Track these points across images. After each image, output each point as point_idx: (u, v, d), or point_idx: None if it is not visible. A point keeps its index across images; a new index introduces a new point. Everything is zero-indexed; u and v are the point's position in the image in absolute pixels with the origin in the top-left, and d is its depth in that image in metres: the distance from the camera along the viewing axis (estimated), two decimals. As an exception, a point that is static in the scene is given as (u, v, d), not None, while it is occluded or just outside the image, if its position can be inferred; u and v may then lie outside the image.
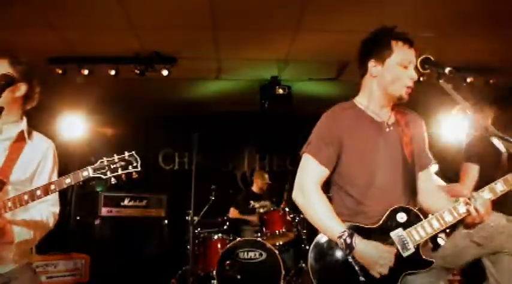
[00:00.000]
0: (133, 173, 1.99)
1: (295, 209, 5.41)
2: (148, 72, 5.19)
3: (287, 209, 5.34)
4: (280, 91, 5.76)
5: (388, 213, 1.88)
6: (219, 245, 5.07)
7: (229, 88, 6.41)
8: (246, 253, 4.86)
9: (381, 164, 1.92)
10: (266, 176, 6.37)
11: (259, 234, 5.30)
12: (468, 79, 5.27)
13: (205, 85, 6.32)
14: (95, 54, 5.07)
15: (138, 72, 5.14)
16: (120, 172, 1.98)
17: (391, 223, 1.87)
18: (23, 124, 2.15)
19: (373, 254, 1.76)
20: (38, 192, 1.94)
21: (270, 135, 7.66)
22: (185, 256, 5.36)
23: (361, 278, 1.81)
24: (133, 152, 2.02)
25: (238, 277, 4.75)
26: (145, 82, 5.51)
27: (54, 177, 2.17)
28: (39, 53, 5.01)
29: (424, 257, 1.84)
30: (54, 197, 2.17)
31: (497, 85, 5.44)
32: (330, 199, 2.02)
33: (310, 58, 5.32)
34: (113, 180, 1.99)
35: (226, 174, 7.75)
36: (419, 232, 1.83)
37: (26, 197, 1.93)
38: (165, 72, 5.17)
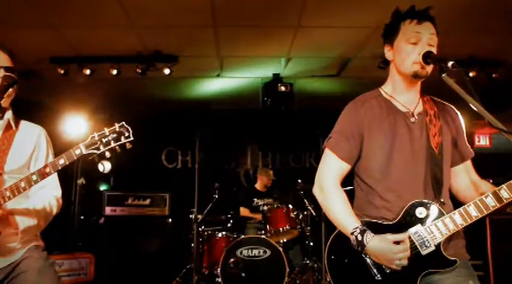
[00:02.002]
0: (127, 144, 1.97)
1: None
2: (150, 71, 5.19)
3: (290, 206, 5.34)
4: (282, 88, 5.75)
5: (406, 207, 1.79)
6: (223, 243, 5.07)
7: (231, 86, 6.42)
8: (250, 251, 4.86)
9: (401, 156, 1.85)
10: (271, 173, 6.37)
11: (263, 231, 5.31)
12: (471, 74, 5.25)
13: (207, 84, 6.32)
14: (97, 53, 5.08)
15: (140, 71, 5.14)
16: (113, 144, 1.95)
17: (409, 219, 1.77)
18: (8, 114, 2.15)
19: (386, 250, 1.69)
20: (34, 177, 1.93)
21: (272, 132, 7.67)
22: (189, 254, 5.37)
23: (378, 277, 1.75)
24: (123, 122, 1.99)
25: (243, 274, 4.76)
26: (147, 81, 5.52)
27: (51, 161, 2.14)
28: (41, 54, 5.02)
29: (446, 255, 1.72)
30: (53, 181, 2.19)
31: (500, 79, 5.42)
32: (352, 192, 1.98)
33: (312, 55, 5.32)
34: (108, 154, 1.96)
35: (229, 171, 7.76)
36: (440, 228, 1.72)
37: (22, 184, 1.93)
38: (166, 71, 5.17)
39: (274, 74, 5.85)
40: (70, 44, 4.84)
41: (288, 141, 7.74)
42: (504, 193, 1.69)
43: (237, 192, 6.49)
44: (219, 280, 4.75)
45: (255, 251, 4.86)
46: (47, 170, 1.94)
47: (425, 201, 1.80)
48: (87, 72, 5.15)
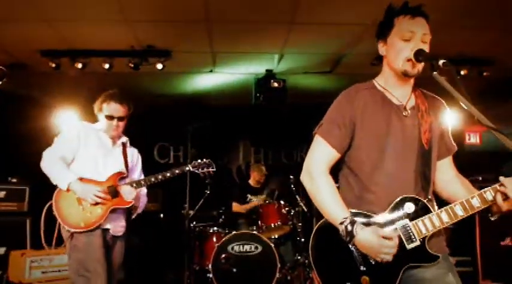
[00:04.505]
0: (211, 172, 3.56)
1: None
2: (143, 65, 5.17)
3: (282, 202, 5.35)
4: (275, 84, 5.76)
5: (395, 202, 1.80)
6: (214, 239, 5.08)
7: (224, 82, 6.40)
8: (241, 246, 4.87)
9: (393, 149, 1.84)
10: (263, 168, 6.37)
11: (254, 227, 5.32)
12: (462, 72, 5.29)
13: (200, 79, 6.30)
14: (89, 47, 5.04)
15: (133, 65, 5.12)
16: (204, 170, 3.53)
17: (397, 213, 1.79)
18: (125, 138, 3.34)
19: (374, 243, 1.68)
20: (153, 179, 3.22)
21: (265, 128, 7.67)
22: (181, 250, 5.37)
23: (362, 268, 1.77)
24: (210, 159, 3.60)
25: (234, 270, 4.76)
26: (140, 76, 5.49)
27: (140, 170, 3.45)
28: (32, 47, 4.98)
29: (429, 251, 1.77)
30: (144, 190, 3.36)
31: (490, 77, 5.46)
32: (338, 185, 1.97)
33: (305, 51, 5.32)
34: (201, 175, 3.54)
35: (221, 167, 7.75)
36: (427, 225, 1.76)
37: (142, 182, 3.20)
38: (159, 66, 5.15)
39: (267, 70, 5.85)
40: (62, 37, 4.80)
41: (281, 137, 7.75)
42: (489, 195, 1.76)
43: (230, 188, 6.49)
44: (210, 275, 4.75)
45: (247, 247, 4.87)
46: (160, 177, 3.26)
47: (415, 196, 1.82)
48: (79, 66, 5.11)
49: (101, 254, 2.91)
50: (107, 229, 3.07)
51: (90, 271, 2.84)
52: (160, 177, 3.21)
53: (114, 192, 3.07)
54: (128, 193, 3.11)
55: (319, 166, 1.90)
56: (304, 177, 1.95)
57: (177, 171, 3.28)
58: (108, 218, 3.04)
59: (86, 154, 3.08)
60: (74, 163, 3.09)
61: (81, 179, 3.00)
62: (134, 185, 3.14)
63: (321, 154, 1.92)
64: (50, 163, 3.01)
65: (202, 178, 3.60)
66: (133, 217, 3.28)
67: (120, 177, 3.15)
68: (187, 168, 3.37)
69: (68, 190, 2.96)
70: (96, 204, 2.98)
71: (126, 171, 3.21)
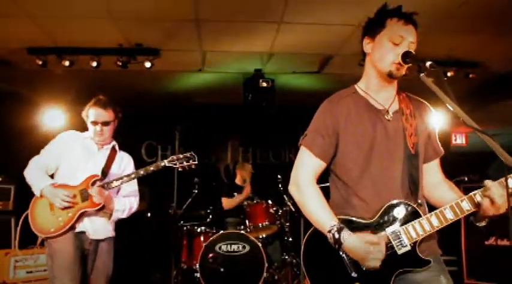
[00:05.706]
0: (192, 165, 3.30)
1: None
2: (131, 64, 5.13)
3: (270, 201, 5.35)
4: (264, 84, 5.75)
5: (384, 207, 1.80)
6: (202, 238, 5.07)
7: (213, 81, 6.39)
8: (229, 246, 4.86)
9: (378, 155, 1.85)
10: (249, 166, 6.37)
11: (242, 227, 5.32)
12: (449, 74, 5.35)
13: (189, 78, 6.28)
14: (76, 45, 4.99)
15: (121, 64, 5.08)
16: (184, 164, 3.25)
17: (387, 218, 1.79)
18: (114, 142, 3.33)
19: (362, 249, 1.70)
20: (125, 178, 3.10)
21: (253, 127, 7.67)
22: (168, 249, 5.35)
23: (353, 274, 1.77)
24: (192, 152, 3.32)
25: (221, 269, 4.76)
26: (128, 74, 5.45)
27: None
28: (19, 44, 4.92)
29: (420, 256, 1.76)
30: (135, 191, 3.34)
31: (476, 79, 5.53)
32: (326, 189, 1.98)
33: (294, 51, 5.33)
34: (180, 169, 3.26)
35: (209, 166, 7.73)
36: (417, 229, 1.76)
37: (114, 182, 3.08)
38: (147, 64, 5.12)
39: (255, 70, 5.85)
40: (49, 35, 4.74)
41: (269, 136, 7.75)
42: (478, 198, 1.74)
43: (217, 187, 6.47)
44: (198, 275, 4.74)
45: (234, 247, 4.86)
46: (133, 175, 3.12)
47: (404, 201, 1.82)
48: (66, 63, 5.06)
49: (71, 261, 2.89)
50: (83, 233, 3.05)
51: (58, 279, 2.84)
52: (133, 175, 3.12)
53: (85, 195, 3.05)
54: (98, 195, 3.05)
55: (305, 177, 1.92)
56: (292, 188, 1.97)
57: (151, 168, 3.13)
58: (81, 221, 3.04)
59: (68, 161, 3.12)
60: (58, 171, 3.14)
61: (54, 185, 3.03)
62: (105, 186, 3.09)
63: (306, 165, 1.93)
64: (29, 171, 3.09)
65: (182, 171, 3.33)
66: (110, 220, 3.17)
67: (94, 179, 3.09)
68: (162, 164, 3.19)
69: (41, 196, 3.01)
70: (65, 208, 2.97)
71: (105, 174, 3.17)
